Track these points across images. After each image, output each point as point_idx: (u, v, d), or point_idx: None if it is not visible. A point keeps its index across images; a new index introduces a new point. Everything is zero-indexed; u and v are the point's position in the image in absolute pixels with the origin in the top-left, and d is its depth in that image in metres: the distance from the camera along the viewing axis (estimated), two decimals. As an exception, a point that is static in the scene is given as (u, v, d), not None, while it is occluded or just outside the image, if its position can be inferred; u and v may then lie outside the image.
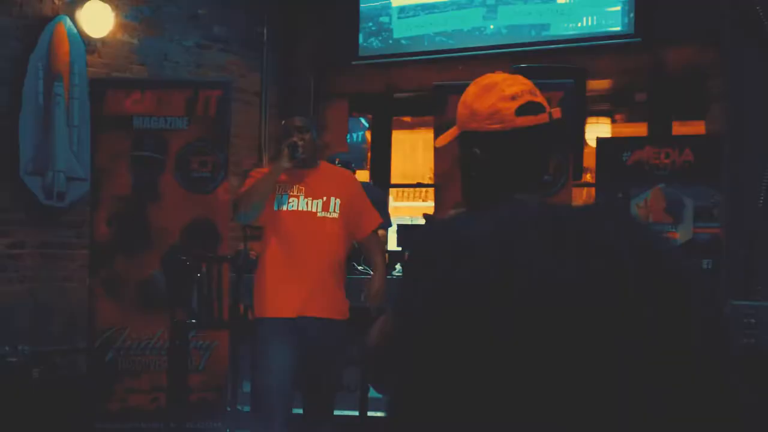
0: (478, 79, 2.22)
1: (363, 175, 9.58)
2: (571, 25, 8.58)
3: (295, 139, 4.91)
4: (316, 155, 5.12)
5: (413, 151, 11.97)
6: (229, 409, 6.42)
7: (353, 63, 9.45)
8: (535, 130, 2.14)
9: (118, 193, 6.34)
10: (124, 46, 8.03)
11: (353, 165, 7.55)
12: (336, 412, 6.48)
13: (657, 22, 8.30)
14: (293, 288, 4.88)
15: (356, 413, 6.23)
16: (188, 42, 8.69)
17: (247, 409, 6.37)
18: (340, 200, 5.02)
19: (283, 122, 5.25)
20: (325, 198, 5.00)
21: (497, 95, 2.15)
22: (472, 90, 2.20)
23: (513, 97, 2.14)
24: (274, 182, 4.90)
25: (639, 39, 8.27)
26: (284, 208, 4.97)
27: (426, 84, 9.25)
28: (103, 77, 7.43)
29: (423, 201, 11.62)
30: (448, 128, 6.18)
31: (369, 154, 10.95)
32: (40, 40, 7.22)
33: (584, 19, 8.53)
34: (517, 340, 0.74)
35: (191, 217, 6.44)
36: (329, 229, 4.98)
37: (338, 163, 7.23)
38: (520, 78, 2.24)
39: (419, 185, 11.35)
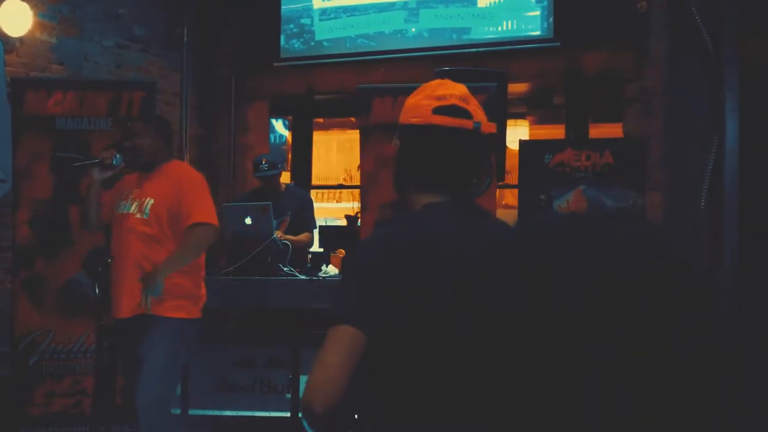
0: (430, 83, 2.27)
1: (284, 177, 9.59)
2: (491, 28, 8.71)
3: (106, 153, 5.10)
4: (155, 159, 5.10)
5: (327, 152, 12.00)
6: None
7: (275, 64, 9.44)
8: (453, 132, 2.17)
9: (39, 195, 6.25)
10: (43, 45, 7.91)
11: (280, 166, 7.56)
12: (266, 414, 6.52)
13: (574, 27, 8.48)
14: (118, 289, 5.02)
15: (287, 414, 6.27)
16: (108, 42, 8.59)
17: (177, 411, 6.33)
18: (154, 200, 5.01)
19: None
20: (140, 200, 5.03)
21: (426, 93, 2.21)
22: (416, 90, 2.26)
23: (439, 98, 2.19)
24: (92, 199, 5.10)
25: (558, 43, 8.43)
26: (119, 211, 5.07)
27: (347, 86, 9.32)
28: (22, 77, 7.31)
29: (338, 202, 11.66)
30: (372, 130, 6.21)
31: (289, 156, 10.95)
32: (-44, 39, 7.09)
33: (504, 23, 8.66)
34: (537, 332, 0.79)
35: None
36: (138, 229, 4.99)
37: (265, 164, 7.24)
38: (460, 86, 2.29)
39: (341, 186, 11.38)
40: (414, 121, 2.18)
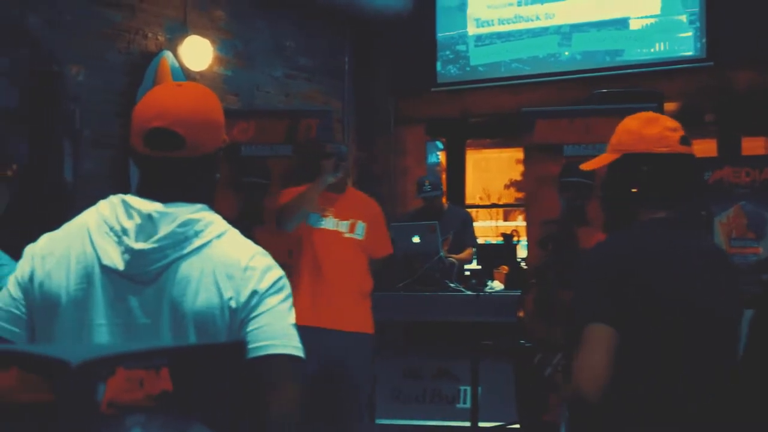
0: (636, 115, 2.65)
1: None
2: (644, 50, 8.93)
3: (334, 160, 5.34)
4: (345, 183, 5.54)
5: (485, 172, 12.32)
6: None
7: (432, 90, 9.85)
8: (688, 159, 2.58)
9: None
10: (219, 77, 8.49)
11: (441, 187, 7.87)
12: (435, 423, 6.84)
13: (725, 46, 8.63)
14: (321, 300, 5.24)
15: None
16: (277, 72, 9.15)
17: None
18: (366, 224, 5.42)
19: (313, 142, 5.60)
20: (351, 221, 5.40)
21: (662, 126, 2.58)
22: (633, 122, 2.61)
23: (674, 129, 2.58)
24: (316, 197, 5.29)
25: (711, 63, 8.59)
26: (316, 225, 5.36)
27: (499, 109, 9.65)
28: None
29: (495, 221, 11.96)
30: (535, 150, 6.49)
31: (444, 176, 11.32)
32: (146, 74, 7.69)
33: (657, 44, 8.87)
34: None
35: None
36: (353, 247, 5.38)
37: (428, 185, 7.58)
38: (669, 118, 2.66)
39: (494, 206, 11.68)
40: (664, 150, 2.53)
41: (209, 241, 1.97)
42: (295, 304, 5.26)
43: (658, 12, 8.92)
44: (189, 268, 1.95)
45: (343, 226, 5.40)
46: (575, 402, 2.37)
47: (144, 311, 1.94)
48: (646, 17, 8.99)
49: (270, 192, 6.87)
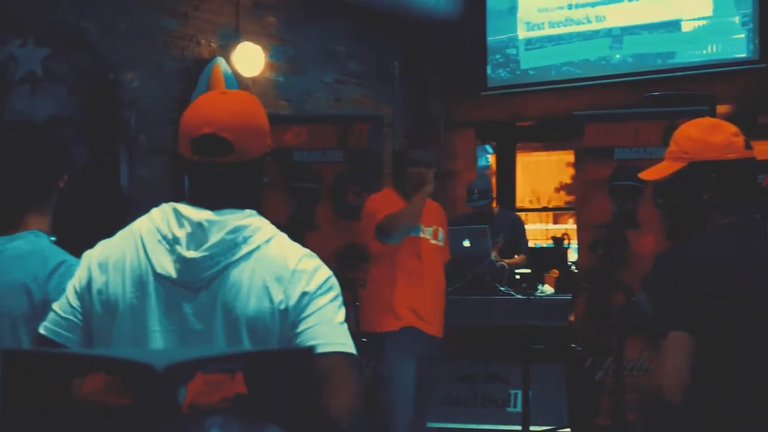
0: (694, 122, 2.68)
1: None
2: (696, 52, 8.88)
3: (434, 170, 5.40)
4: None
5: (534, 175, 12.31)
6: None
7: (482, 93, 9.87)
8: (752, 162, 2.63)
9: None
10: (271, 83, 8.59)
11: (490, 194, 7.85)
12: (487, 427, 6.86)
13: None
14: (421, 305, 5.31)
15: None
16: (327, 78, 9.23)
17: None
18: (443, 231, 5.53)
19: (412, 152, 5.57)
20: (434, 227, 5.46)
21: (727, 132, 2.62)
22: (694, 129, 2.64)
23: (737, 134, 2.62)
24: (422, 208, 5.31)
25: (764, 65, 8.53)
26: (413, 233, 5.37)
27: (549, 112, 9.65)
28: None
29: (544, 224, 11.95)
30: (585, 153, 6.48)
31: (493, 180, 11.33)
32: (200, 81, 7.81)
33: (709, 46, 8.81)
34: None
35: (343, 241, 6.83)
36: (437, 253, 5.47)
37: (476, 194, 7.57)
38: (728, 122, 2.69)
39: (545, 209, 11.66)
40: (732, 156, 2.58)
41: (258, 247, 2.02)
42: (391, 309, 5.26)
43: (710, 14, 8.87)
44: (240, 274, 2.00)
45: (428, 233, 5.46)
46: (657, 403, 2.47)
47: (197, 317, 2.00)
48: (698, 19, 8.94)
49: (320, 196, 6.96)
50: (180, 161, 2.11)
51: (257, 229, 2.04)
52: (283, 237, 2.09)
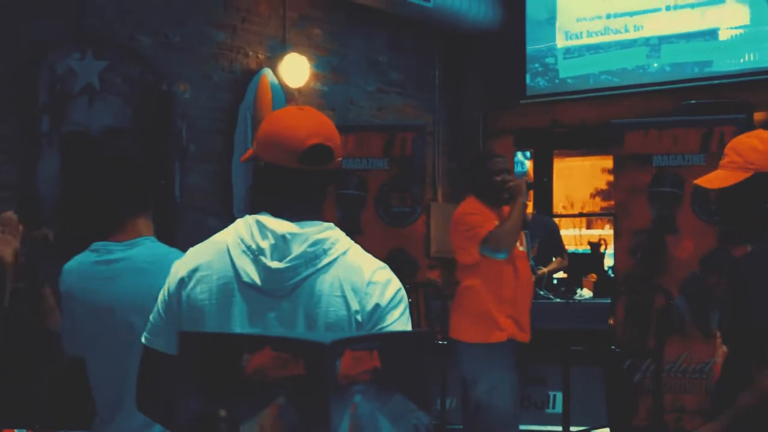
0: (754, 133, 2.85)
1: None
2: (733, 60, 9.01)
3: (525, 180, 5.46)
4: None
5: (568, 180, 12.42)
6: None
7: (521, 102, 10.05)
8: None
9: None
10: (316, 93, 8.82)
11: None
12: (529, 427, 7.02)
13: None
14: (523, 314, 5.39)
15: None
16: (370, 87, 9.45)
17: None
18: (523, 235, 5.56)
19: (494, 158, 5.53)
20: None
21: None
22: (756, 141, 2.79)
23: None
24: (521, 220, 5.31)
25: (801, 74, 8.65)
26: None
27: (585, 119, 9.80)
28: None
29: (578, 229, 12.07)
30: (625, 161, 6.61)
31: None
32: (248, 92, 8.04)
33: (746, 55, 8.95)
34: None
35: (389, 248, 7.03)
36: (525, 259, 5.57)
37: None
38: None
39: (581, 215, 11.79)
40: None
41: (336, 258, 2.17)
42: (491, 318, 5.23)
43: (747, 22, 9.00)
44: (320, 283, 2.15)
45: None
46: (762, 406, 2.57)
47: (280, 324, 2.16)
48: (736, 28, 9.07)
49: (366, 203, 7.17)
50: (271, 172, 2.24)
51: (336, 241, 2.19)
52: (358, 249, 2.25)
